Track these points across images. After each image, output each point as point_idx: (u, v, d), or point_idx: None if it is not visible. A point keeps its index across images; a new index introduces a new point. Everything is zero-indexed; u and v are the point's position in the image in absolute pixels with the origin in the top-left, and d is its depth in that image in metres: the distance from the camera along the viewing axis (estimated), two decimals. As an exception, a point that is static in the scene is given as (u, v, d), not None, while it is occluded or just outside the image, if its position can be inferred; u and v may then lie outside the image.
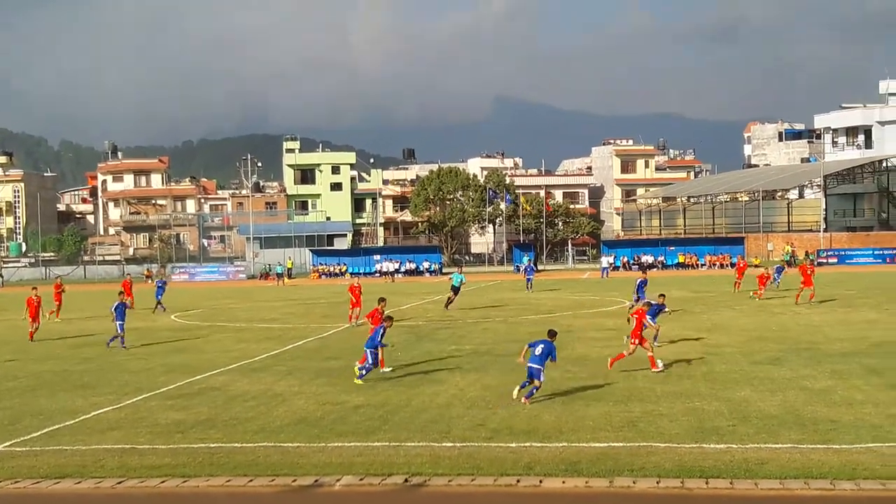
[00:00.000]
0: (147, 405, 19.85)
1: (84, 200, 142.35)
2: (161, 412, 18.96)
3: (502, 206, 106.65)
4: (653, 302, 25.77)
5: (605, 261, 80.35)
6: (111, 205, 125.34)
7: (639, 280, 37.94)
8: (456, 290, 42.91)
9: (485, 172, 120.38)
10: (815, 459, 13.66)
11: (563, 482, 13.06)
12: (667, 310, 26.66)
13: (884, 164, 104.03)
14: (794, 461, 13.61)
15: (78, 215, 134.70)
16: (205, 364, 26.07)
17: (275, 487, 13.36)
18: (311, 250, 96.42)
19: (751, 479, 12.87)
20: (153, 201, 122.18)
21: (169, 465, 14.56)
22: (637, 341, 22.10)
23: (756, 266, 73.13)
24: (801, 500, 12.15)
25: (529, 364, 18.70)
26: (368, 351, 21.90)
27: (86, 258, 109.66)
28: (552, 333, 19.44)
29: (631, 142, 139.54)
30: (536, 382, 18.64)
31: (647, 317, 23.74)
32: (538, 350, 18.80)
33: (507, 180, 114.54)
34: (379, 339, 22.09)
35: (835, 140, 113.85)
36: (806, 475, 12.90)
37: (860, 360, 23.14)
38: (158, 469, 14.37)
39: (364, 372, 21.83)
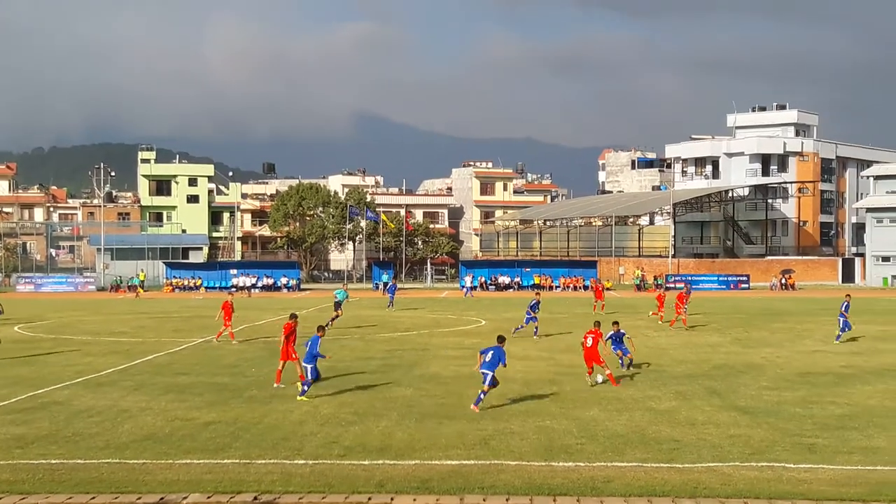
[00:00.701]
0: (-16, 420, 19.01)
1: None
2: (0, 427, 18.18)
3: (362, 223, 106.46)
4: (611, 332, 26.01)
5: (469, 280, 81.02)
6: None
7: (532, 301, 38.13)
8: (338, 304, 42.48)
9: (346, 190, 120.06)
10: (658, 478, 14.09)
11: (415, 500, 13.12)
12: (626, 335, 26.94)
13: (729, 194, 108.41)
14: (638, 479, 14.01)
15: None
16: (48, 378, 25.14)
17: (118, 505, 12.98)
18: (165, 263, 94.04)
19: (597, 496, 13.18)
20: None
21: (7, 482, 13.99)
22: (596, 364, 23.32)
23: (608, 289, 75.17)
24: (644, 517, 12.50)
25: (482, 370, 19.87)
26: (308, 366, 21.70)
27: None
28: (501, 339, 20.96)
29: (490, 164, 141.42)
30: (484, 388, 19.60)
31: (611, 346, 25.68)
32: (488, 357, 19.99)
33: (368, 198, 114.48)
34: (317, 349, 21.88)
35: (684, 169, 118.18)
36: (650, 493, 13.29)
37: (702, 381, 24.03)
38: (-5, 486, 13.78)
39: (306, 388, 21.57)
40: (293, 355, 23.21)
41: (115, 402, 21.03)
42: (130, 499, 13.18)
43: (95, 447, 16.35)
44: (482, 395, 19.69)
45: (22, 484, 13.87)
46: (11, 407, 20.51)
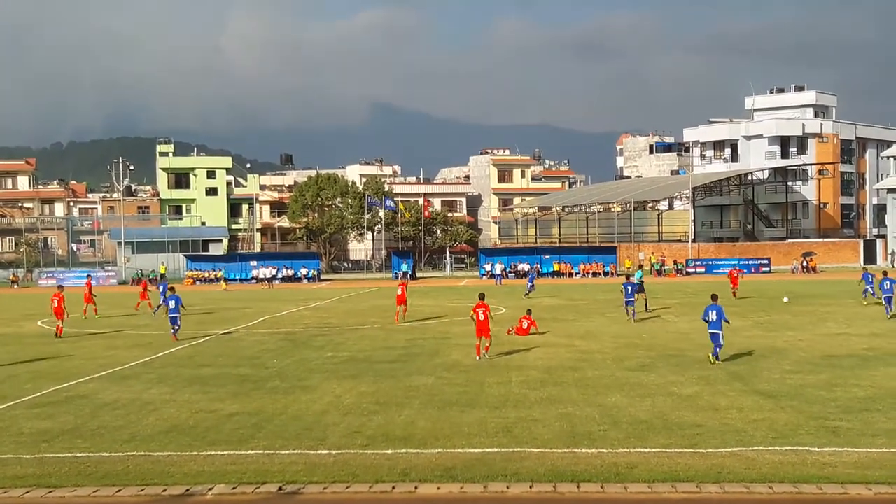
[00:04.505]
0: (11, 414, 19.16)
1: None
2: (26, 421, 18.33)
3: (381, 213, 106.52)
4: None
5: (499, 268, 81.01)
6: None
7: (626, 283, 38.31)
8: (641, 285, 42.21)
9: (364, 179, 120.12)
10: (682, 463, 14.06)
11: (438, 488, 13.14)
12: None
13: (749, 177, 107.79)
14: (662, 465, 13.98)
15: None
16: (72, 371, 25.30)
17: (144, 497, 13.06)
18: (185, 255, 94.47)
19: (620, 482, 13.17)
20: (19, 204, 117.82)
21: (34, 476, 14.09)
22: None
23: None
24: (669, 503, 12.48)
25: (711, 331, 24.40)
26: (719, 332, 24.40)
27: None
28: (714, 297, 25.41)
29: (507, 151, 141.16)
30: (720, 343, 24.43)
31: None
32: (713, 316, 24.36)
33: (386, 188, 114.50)
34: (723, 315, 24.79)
35: (703, 153, 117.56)
36: (673, 478, 13.26)
37: (725, 366, 23.94)
38: (23, 479, 13.89)
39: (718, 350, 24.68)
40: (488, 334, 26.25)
41: (139, 395, 21.14)
42: (156, 491, 13.26)
43: (120, 440, 16.45)
44: (717, 350, 24.61)
45: (48, 478, 13.97)
46: (36, 401, 20.66)
